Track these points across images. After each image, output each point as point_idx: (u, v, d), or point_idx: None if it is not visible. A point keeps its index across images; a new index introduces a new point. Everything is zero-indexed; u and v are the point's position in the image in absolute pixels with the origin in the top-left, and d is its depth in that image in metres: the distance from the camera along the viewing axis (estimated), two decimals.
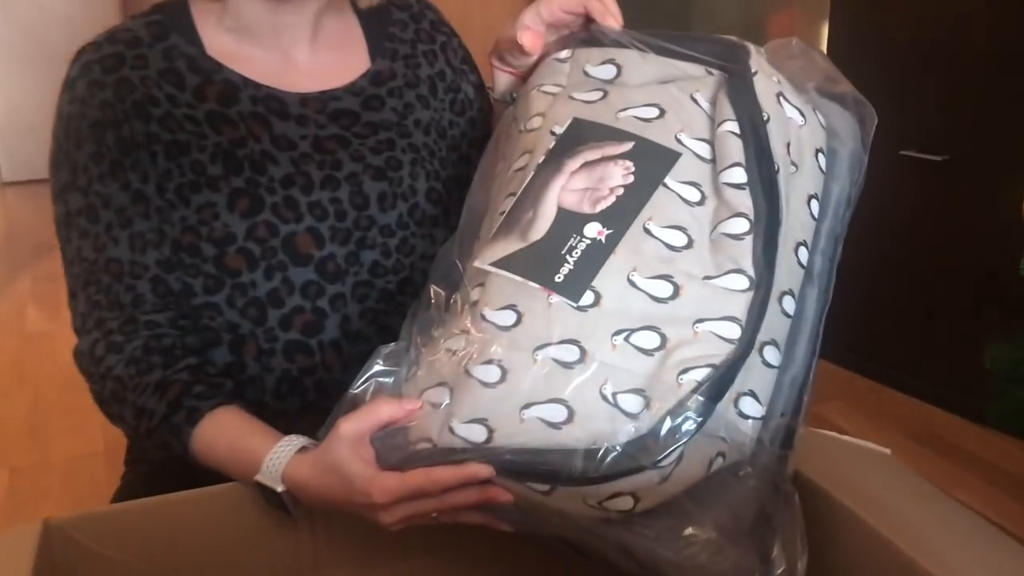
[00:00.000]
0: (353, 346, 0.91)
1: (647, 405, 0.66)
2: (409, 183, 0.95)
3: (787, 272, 0.72)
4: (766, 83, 0.75)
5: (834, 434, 0.86)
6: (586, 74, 0.84)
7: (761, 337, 0.69)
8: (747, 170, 0.71)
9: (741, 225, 0.70)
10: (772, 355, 0.70)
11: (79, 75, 0.89)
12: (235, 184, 0.87)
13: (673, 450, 0.65)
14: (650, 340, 0.67)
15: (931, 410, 2.34)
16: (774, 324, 0.71)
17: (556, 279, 0.70)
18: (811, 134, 0.77)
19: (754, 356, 0.69)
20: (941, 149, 2.22)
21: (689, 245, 0.70)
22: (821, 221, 0.77)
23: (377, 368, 0.77)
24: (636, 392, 0.66)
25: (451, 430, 0.69)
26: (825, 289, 0.77)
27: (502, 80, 0.95)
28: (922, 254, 2.31)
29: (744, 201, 0.71)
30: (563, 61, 0.86)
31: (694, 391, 0.66)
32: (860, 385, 2.50)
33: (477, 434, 0.68)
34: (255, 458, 0.77)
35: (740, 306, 0.68)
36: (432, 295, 0.79)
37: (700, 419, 0.65)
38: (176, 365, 0.83)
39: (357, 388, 0.76)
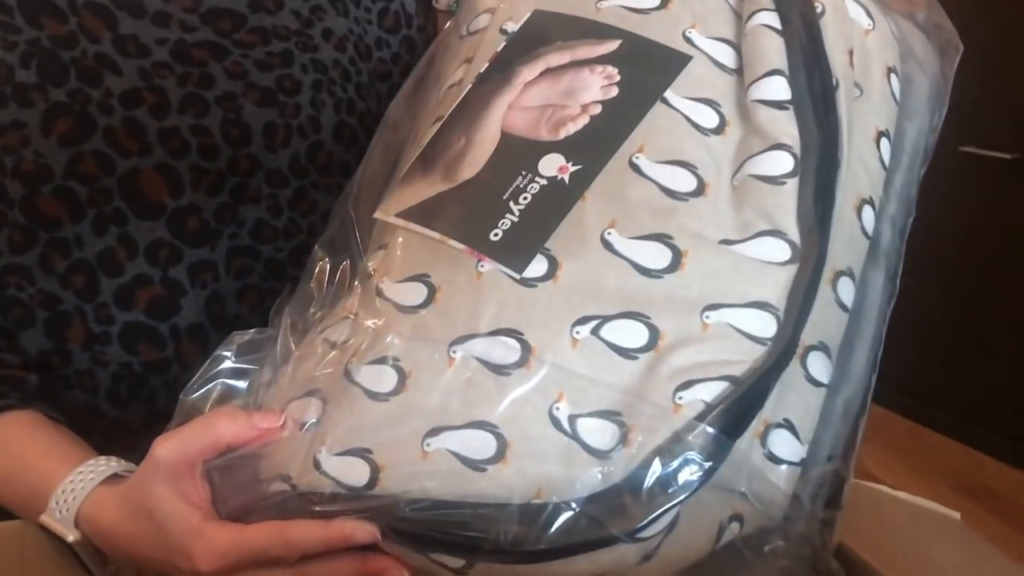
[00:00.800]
0: (222, 336, 0.65)
1: (623, 438, 0.41)
2: (310, 113, 0.69)
3: (846, 242, 0.48)
4: None
5: (886, 489, 0.62)
6: None
7: (806, 338, 0.44)
8: (791, 81, 0.47)
9: (781, 162, 0.45)
10: (820, 366, 0.46)
11: None
12: (54, 97, 0.61)
13: (664, 512, 0.40)
14: (632, 334, 0.43)
15: (983, 459, 2.04)
16: (826, 319, 0.46)
17: (492, 237, 0.46)
18: (881, 45, 0.52)
19: (794, 367, 0.44)
20: (1008, 145, 1.93)
21: (699, 191, 0.45)
22: (892, 172, 0.52)
23: (226, 365, 0.52)
24: (607, 416, 0.41)
25: (318, 464, 0.44)
26: (893, 274, 0.52)
27: None
28: (980, 269, 1.99)
29: (786, 127, 0.46)
30: None
31: (700, 418, 0.41)
32: (899, 427, 2.18)
33: (356, 473, 0.43)
34: (44, 487, 0.53)
35: (776, 287, 0.44)
36: (316, 263, 0.55)
37: (708, 463, 0.40)
38: None
39: (195, 392, 0.51)
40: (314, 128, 0.69)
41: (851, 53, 0.50)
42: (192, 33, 0.67)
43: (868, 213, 0.49)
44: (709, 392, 0.42)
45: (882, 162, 0.51)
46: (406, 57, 0.79)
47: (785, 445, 0.44)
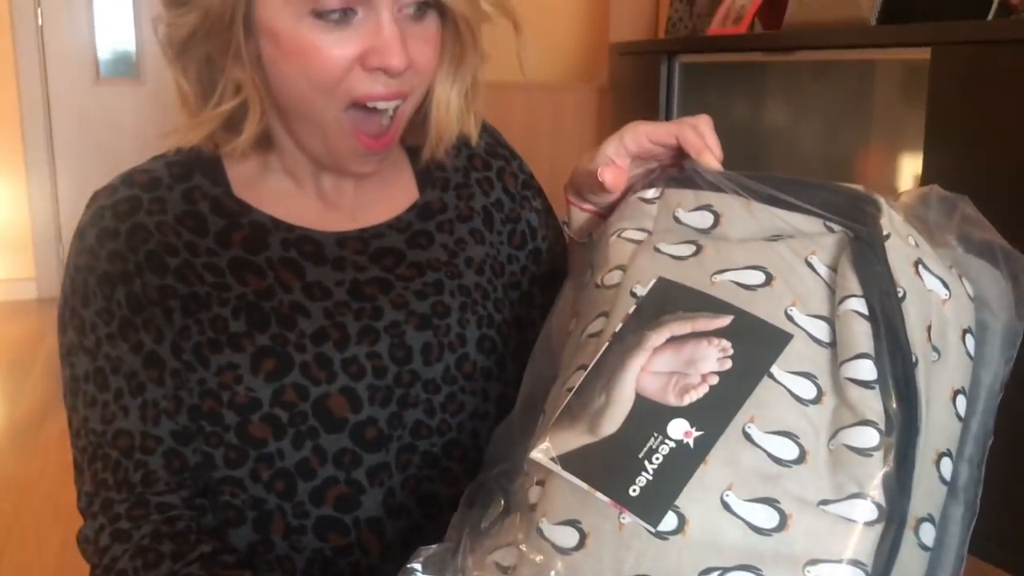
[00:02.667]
0: (395, 523, 0.78)
1: None
2: (458, 331, 0.82)
3: (926, 493, 0.57)
4: (902, 248, 0.61)
5: None
6: (677, 220, 0.71)
7: None
8: (877, 363, 0.57)
9: (869, 437, 0.55)
10: None
11: (90, 223, 0.79)
12: (260, 342, 0.76)
13: None
14: None
15: None
16: (907, 561, 0.55)
17: (631, 492, 0.57)
18: (957, 311, 0.62)
19: None
20: None
21: (801, 458, 0.56)
22: (968, 420, 0.61)
23: None
24: None
25: None
26: (972, 502, 0.61)
27: (578, 217, 0.82)
28: None
29: (873, 404, 0.56)
30: (650, 202, 0.74)
31: None
32: None
33: None
34: None
35: (865, 544, 0.53)
36: (486, 485, 0.67)
37: None
38: (188, 556, 0.72)
39: None
40: (461, 343, 0.83)
41: (929, 328, 0.60)
42: (363, 272, 0.81)
43: (946, 464, 0.59)
44: None
45: (958, 416, 0.60)
46: (532, 267, 0.92)
47: None
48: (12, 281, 3.86)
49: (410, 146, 0.90)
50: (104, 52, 3.93)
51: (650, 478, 0.57)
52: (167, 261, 0.77)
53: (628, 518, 0.56)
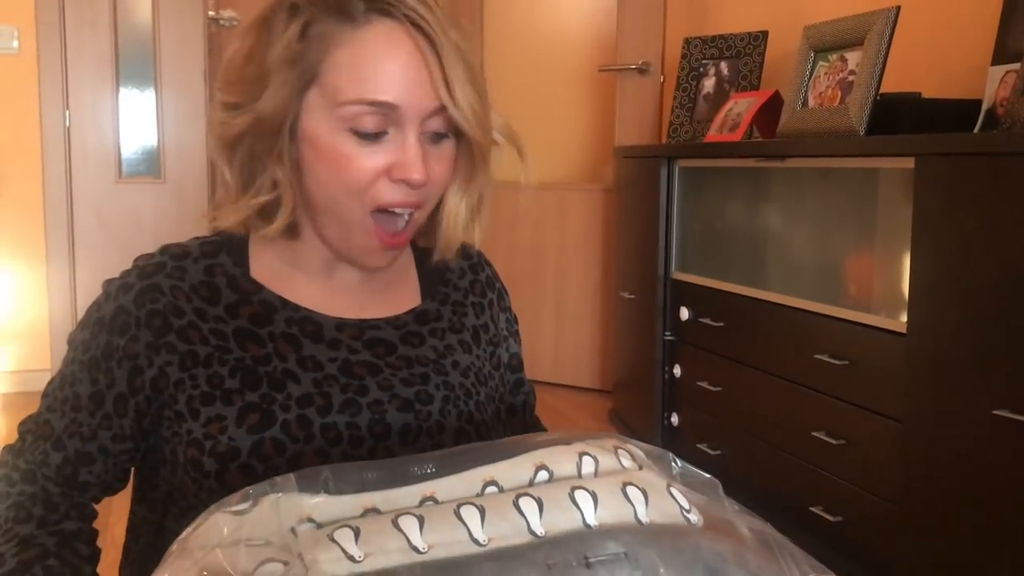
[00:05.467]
0: None
1: None
2: (438, 419, 0.90)
3: None
4: None
5: None
6: None
7: None
8: None
9: None
10: None
11: (121, 274, 0.92)
12: (249, 399, 0.85)
13: None
14: None
15: None
16: None
17: None
18: None
19: None
20: None
21: None
22: None
23: None
24: None
25: None
26: None
27: None
28: (1017, 532, 1.75)
29: None
30: None
31: None
32: None
33: None
34: None
35: None
36: None
37: None
38: (51, 526, 0.85)
39: None
40: (439, 431, 0.89)
41: None
42: (356, 354, 0.89)
43: None
44: None
45: None
46: (502, 390, 1.02)
47: None
48: (29, 372, 3.93)
49: (420, 250, 1.01)
50: (127, 151, 4.08)
51: None
52: (171, 321, 0.87)
53: None
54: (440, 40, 0.85)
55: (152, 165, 4.12)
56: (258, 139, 0.86)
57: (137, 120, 4.07)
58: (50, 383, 0.93)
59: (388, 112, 0.85)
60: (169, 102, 4.06)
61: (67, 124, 3.93)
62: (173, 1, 4.00)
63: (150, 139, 4.10)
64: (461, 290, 1.03)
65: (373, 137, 0.85)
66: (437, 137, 0.88)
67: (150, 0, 4.00)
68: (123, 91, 4.02)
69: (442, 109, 0.86)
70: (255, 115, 0.85)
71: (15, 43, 3.83)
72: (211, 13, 4.08)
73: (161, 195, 4.07)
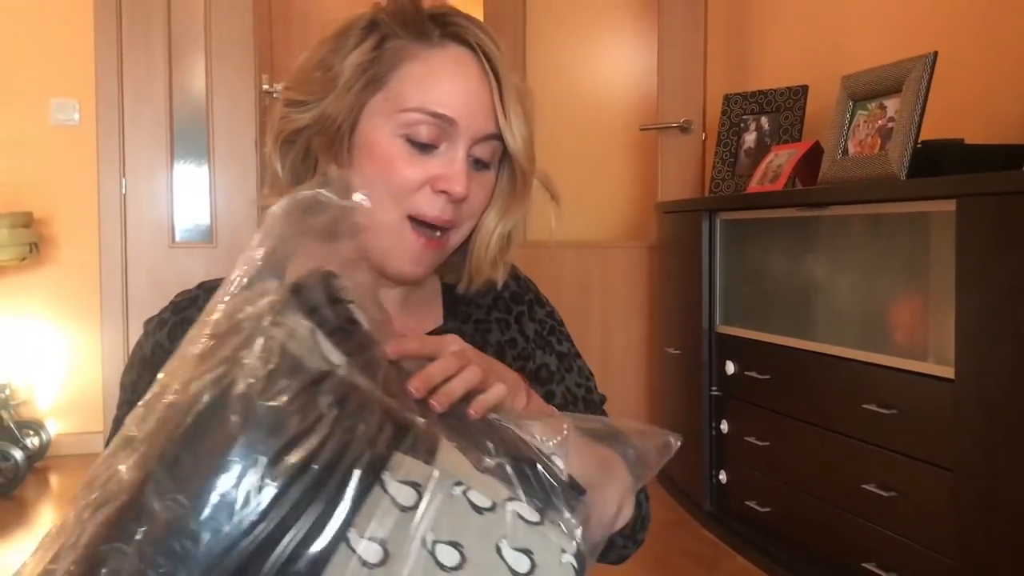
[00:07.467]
0: None
1: None
2: None
3: None
4: None
5: None
6: None
7: None
8: None
9: None
10: None
11: (158, 314, 0.95)
12: None
13: None
14: None
15: None
16: None
17: None
18: None
19: None
20: None
21: None
22: None
23: None
24: None
25: None
26: None
27: None
28: None
29: None
30: None
31: None
32: None
33: None
34: None
35: None
36: None
37: None
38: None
39: None
40: None
41: None
42: None
43: None
44: None
45: None
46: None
47: None
48: (83, 435, 3.99)
49: (446, 283, 1.03)
50: (180, 217, 4.18)
51: None
52: None
53: None
54: (504, 74, 0.91)
55: (204, 231, 4.22)
56: (317, 135, 0.91)
57: (190, 187, 4.18)
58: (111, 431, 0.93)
59: (445, 126, 0.90)
60: (221, 170, 4.17)
61: (123, 191, 4.05)
62: (227, 75, 4.14)
63: (203, 205, 4.20)
64: (484, 308, 1.04)
65: (425, 148, 0.90)
66: (481, 165, 0.93)
67: (204, 74, 4.14)
68: (177, 160, 4.14)
69: (494, 136, 0.91)
70: (320, 111, 0.90)
71: (76, 115, 3.98)
72: (265, 87, 4.21)
73: (213, 259, 4.15)
